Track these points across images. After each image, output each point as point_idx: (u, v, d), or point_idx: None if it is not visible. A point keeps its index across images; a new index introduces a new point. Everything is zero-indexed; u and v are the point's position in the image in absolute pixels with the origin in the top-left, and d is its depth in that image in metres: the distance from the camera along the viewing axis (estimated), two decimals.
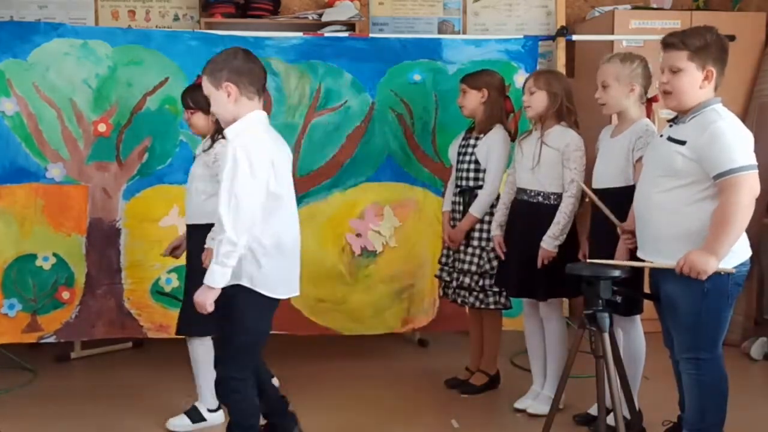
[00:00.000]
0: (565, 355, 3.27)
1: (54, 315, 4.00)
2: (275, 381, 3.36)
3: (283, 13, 5.20)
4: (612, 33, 4.82)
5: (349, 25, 5.02)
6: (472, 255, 3.73)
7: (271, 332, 2.86)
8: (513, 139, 3.75)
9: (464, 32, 5.45)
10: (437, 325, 4.34)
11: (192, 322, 3.22)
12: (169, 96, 3.99)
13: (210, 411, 3.41)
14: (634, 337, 3.25)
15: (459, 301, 3.80)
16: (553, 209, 3.42)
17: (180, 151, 4.03)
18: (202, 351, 3.32)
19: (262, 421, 2.97)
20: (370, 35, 4.69)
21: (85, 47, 3.97)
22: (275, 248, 2.70)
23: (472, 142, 3.79)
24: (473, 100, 3.76)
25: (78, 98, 3.97)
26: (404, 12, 5.46)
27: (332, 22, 4.98)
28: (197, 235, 3.20)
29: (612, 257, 3.06)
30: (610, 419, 2.88)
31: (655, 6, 5.21)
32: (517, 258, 3.50)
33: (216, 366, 2.82)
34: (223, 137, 2.88)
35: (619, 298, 2.83)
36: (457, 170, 3.83)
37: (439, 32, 5.43)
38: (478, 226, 3.73)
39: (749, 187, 2.61)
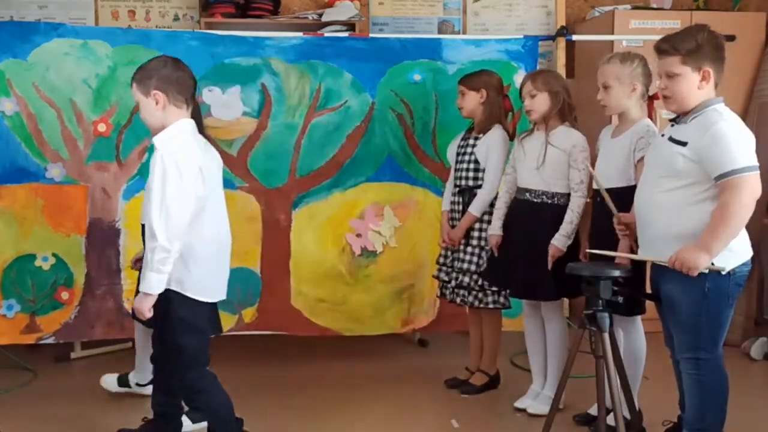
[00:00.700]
0: (566, 355, 3.27)
1: (53, 316, 4.00)
2: None
3: (283, 13, 5.20)
4: (612, 33, 4.82)
5: (349, 25, 5.02)
6: (471, 254, 3.73)
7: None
8: (512, 139, 3.75)
9: (464, 32, 5.45)
10: (437, 326, 4.34)
11: None
12: None
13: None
14: (635, 337, 3.25)
15: (458, 300, 3.79)
16: (557, 209, 3.41)
17: None
18: None
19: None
20: (370, 35, 4.69)
21: (85, 47, 3.97)
22: (204, 252, 2.73)
23: (471, 141, 3.79)
24: (472, 101, 3.76)
25: (78, 98, 3.97)
26: (404, 12, 5.46)
27: (332, 22, 4.98)
28: None
29: (612, 257, 3.06)
30: (610, 419, 2.88)
31: (655, 6, 5.21)
32: (521, 259, 3.47)
33: (171, 376, 2.85)
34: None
35: (620, 299, 2.83)
36: (456, 170, 3.83)
37: (439, 32, 5.43)
38: (477, 226, 3.73)
39: (751, 188, 2.61)
